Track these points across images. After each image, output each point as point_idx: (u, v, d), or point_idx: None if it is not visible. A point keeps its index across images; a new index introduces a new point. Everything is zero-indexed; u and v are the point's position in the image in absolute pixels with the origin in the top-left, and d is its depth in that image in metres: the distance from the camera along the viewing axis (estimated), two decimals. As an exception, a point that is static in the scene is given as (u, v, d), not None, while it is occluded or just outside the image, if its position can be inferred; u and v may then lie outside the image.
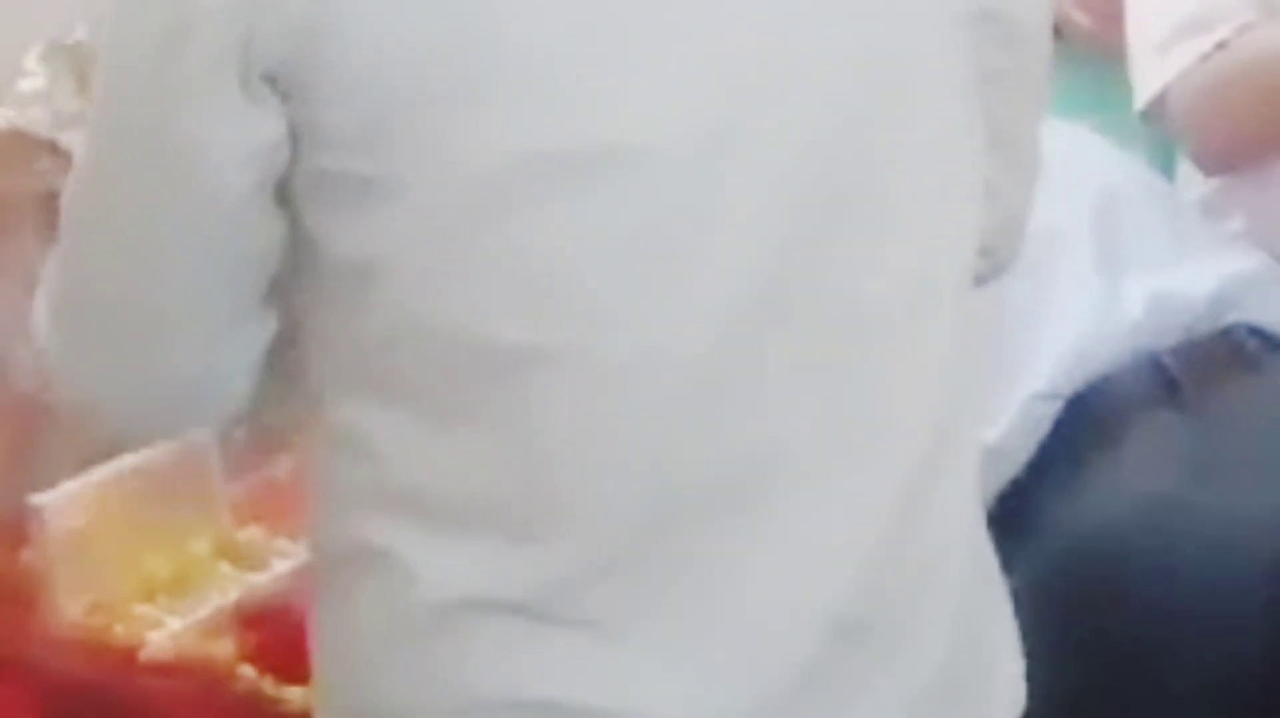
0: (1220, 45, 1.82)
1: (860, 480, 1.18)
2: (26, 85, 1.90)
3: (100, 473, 1.73)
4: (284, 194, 1.15)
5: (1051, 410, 1.75)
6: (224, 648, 1.71)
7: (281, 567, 1.82)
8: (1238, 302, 1.82)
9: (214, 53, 1.10)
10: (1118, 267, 1.83)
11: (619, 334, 1.12)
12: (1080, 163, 1.85)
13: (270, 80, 1.10)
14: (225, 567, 1.82)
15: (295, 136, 1.12)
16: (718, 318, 1.14)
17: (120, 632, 1.70)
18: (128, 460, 1.74)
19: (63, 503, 1.68)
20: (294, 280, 1.18)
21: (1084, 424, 1.75)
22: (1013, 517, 1.63)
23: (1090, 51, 2.02)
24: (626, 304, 1.12)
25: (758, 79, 1.14)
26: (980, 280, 1.32)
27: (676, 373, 1.13)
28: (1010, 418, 1.74)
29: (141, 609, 1.73)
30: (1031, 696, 1.30)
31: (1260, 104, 1.83)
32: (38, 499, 1.67)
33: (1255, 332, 1.81)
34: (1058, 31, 1.51)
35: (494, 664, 1.15)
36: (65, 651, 1.64)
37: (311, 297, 1.18)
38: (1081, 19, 2.05)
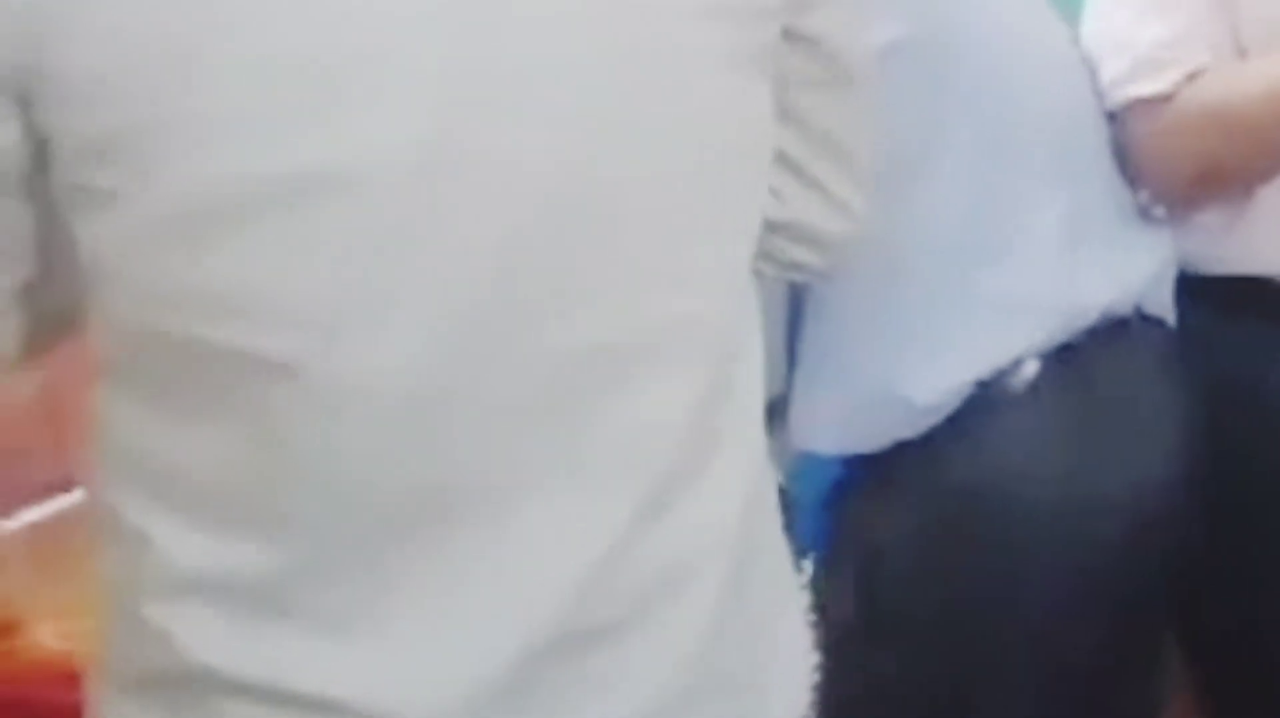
0: (1171, 92, 1.84)
1: (579, 504, 1.23)
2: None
3: (69, 499, 1.78)
4: (37, 190, 1.20)
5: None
6: None
7: None
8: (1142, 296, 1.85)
9: None
10: (1078, 236, 1.84)
11: (335, 352, 1.16)
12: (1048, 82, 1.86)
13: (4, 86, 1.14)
14: None
15: (39, 140, 1.16)
16: (429, 343, 1.17)
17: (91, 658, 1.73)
18: (51, 507, 1.82)
19: (31, 530, 1.80)
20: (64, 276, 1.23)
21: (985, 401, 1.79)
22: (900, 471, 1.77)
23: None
24: (341, 324, 1.16)
25: (474, 97, 1.15)
26: (814, 273, 1.45)
27: (389, 394, 1.18)
28: (944, 392, 1.80)
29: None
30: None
31: (1208, 157, 1.85)
32: (6, 526, 1.79)
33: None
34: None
35: (221, 642, 1.22)
36: (42, 677, 1.70)
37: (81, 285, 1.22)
38: None
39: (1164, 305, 1.89)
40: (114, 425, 1.23)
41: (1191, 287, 1.87)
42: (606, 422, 1.23)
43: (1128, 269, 1.85)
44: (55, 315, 1.27)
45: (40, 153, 1.16)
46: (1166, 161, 1.83)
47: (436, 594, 1.21)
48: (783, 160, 1.36)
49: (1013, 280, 1.81)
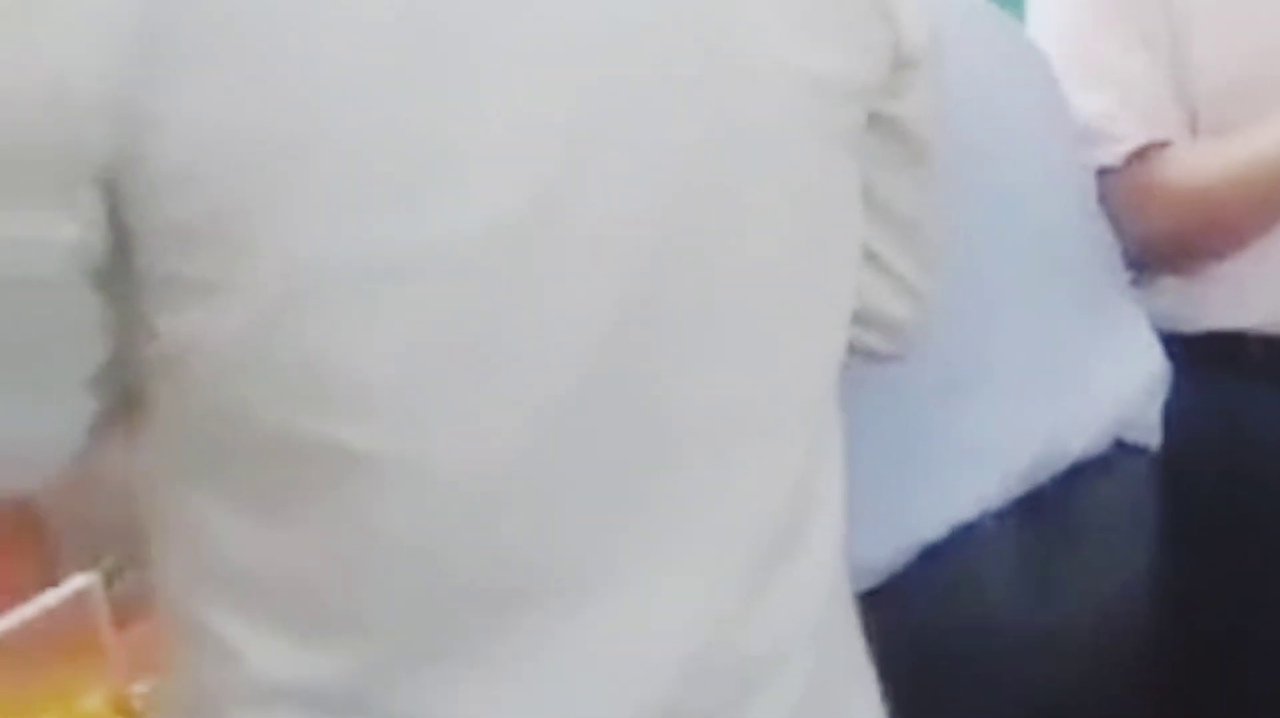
0: (1121, 165, 1.84)
1: (685, 584, 1.18)
2: None
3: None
4: (110, 284, 1.13)
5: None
6: None
7: None
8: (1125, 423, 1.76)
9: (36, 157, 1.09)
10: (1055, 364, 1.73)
11: (429, 440, 1.11)
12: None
13: (95, 181, 1.09)
14: None
15: (121, 232, 1.11)
16: (528, 424, 1.12)
17: None
18: (11, 618, 1.72)
19: None
20: (129, 362, 1.17)
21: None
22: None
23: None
24: (436, 410, 1.11)
25: (573, 167, 1.11)
26: (884, 357, 1.41)
27: (486, 480, 1.13)
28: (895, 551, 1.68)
29: None
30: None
31: (1174, 230, 1.86)
32: None
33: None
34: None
35: None
36: None
37: (145, 382, 1.17)
38: None
39: (1149, 428, 1.79)
40: (192, 530, 1.17)
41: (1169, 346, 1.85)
42: (712, 494, 1.19)
43: (1108, 400, 1.74)
44: (113, 412, 1.19)
45: (121, 246, 1.10)
46: (1125, 227, 1.82)
47: (535, 683, 1.16)
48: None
49: (984, 419, 1.68)
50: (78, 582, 1.77)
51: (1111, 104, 1.83)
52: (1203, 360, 1.87)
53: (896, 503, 1.67)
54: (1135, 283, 1.85)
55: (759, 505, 1.22)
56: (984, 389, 1.70)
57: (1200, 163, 1.83)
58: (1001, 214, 1.72)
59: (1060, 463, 1.71)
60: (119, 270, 1.12)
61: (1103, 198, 1.81)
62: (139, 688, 1.80)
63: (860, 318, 1.35)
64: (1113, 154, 1.83)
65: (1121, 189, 1.83)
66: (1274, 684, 1.90)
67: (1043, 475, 1.71)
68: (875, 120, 1.28)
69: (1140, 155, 1.83)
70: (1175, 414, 1.80)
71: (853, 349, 1.35)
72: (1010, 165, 1.74)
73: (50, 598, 1.76)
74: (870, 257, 1.35)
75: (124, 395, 1.18)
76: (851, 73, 1.23)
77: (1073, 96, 1.80)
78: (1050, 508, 1.71)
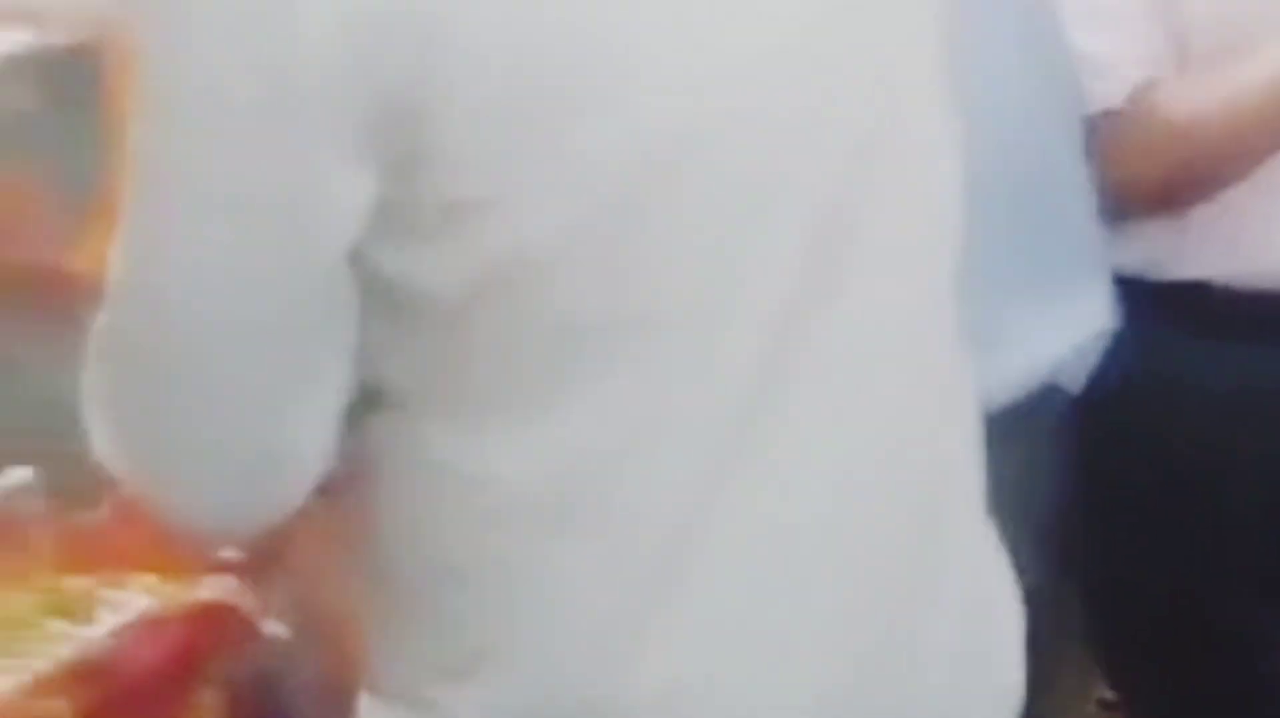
0: (1119, 107, 1.87)
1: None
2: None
3: None
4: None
5: None
6: (57, 708, 1.63)
7: (112, 619, 1.72)
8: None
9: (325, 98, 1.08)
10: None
11: (686, 327, 1.19)
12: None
13: (379, 123, 1.09)
14: (52, 621, 1.74)
15: (397, 176, 1.11)
16: (763, 319, 1.21)
17: None
18: None
19: None
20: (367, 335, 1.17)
21: None
22: None
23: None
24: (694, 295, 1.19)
25: (808, 72, 1.21)
26: None
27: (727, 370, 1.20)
28: None
29: None
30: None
31: (1169, 169, 1.88)
32: None
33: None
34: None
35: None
36: None
37: (393, 342, 1.18)
38: None
39: (1075, 378, 1.81)
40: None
41: (1135, 293, 1.88)
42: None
43: (1042, 359, 1.77)
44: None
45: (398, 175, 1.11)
46: (1122, 171, 1.85)
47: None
48: None
49: None
50: (13, 476, 1.75)
51: (1112, 44, 1.87)
52: (1174, 308, 1.92)
53: None
54: (1117, 228, 1.89)
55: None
56: None
57: (1189, 96, 1.86)
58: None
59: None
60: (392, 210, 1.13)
61: (1096, 140, 1.84)
62: (71, 586, 1.78)
63: None
64: (1113, 95, 1.87)
65: (1118, 130, 1.86)
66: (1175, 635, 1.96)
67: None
68: None
69: (1137, 96, 1.86)
70: (1133, 360, 1.85)
71: None
72: (988, 112, 1.72)
73: None
74: None
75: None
76: None
77: (1073, 37, 1.84)
78: None
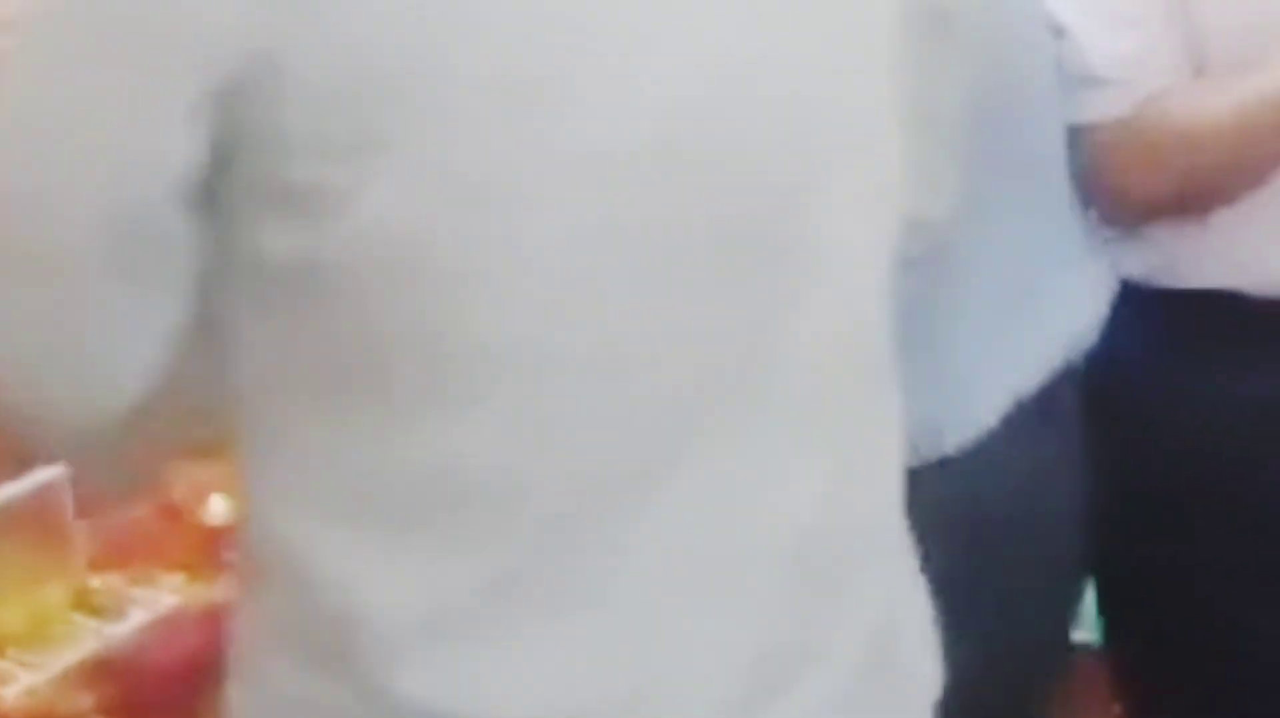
0: (1131, 115, 1.78)
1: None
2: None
3: None
4: (212, 200, 1.12)
5: None
6: (82, 702, 1.66)
7: (139, 616, 1.75)
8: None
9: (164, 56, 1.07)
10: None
11: (578, 332, 1.13)
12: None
13: (224, 90, 1.07)
14: (80, 617, 1.76)
15: (241, 144, 1.08)
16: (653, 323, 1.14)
17: None
18: None
19: None
20: (220, 285, 1.15)
21: None
22: None
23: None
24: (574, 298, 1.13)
25: (694, 98, 1.12)
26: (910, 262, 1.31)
27: (620, 368, 1.14)
28: None
29: None
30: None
31: (1175, 178, 1.81)
32: None
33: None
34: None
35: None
36: None
37: (246, 303, 1.15)
38: None
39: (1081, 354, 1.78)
40: (303, 450, 1.15)
41: (1140, 299, 1.82)
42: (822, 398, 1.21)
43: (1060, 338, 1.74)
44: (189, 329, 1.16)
45: (232, 158, 1.08)
46: (1127, 180, 1.78)
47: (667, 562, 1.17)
48: None
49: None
50: (44, 473, 1.75)
51: (1132, 49, 1.78)
52: (1180, 316, 1.85)
53: None
54: (1118, 235, 1.82)
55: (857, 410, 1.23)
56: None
57: (1200, 104, 1.78)
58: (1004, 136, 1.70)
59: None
60: (223, 186, 1.10)
61: (1096, 147, 1.78)
62: (100, 583, 1.80)
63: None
64: (1126, 102, 1.78)
65: (1125, 137, 1.78)
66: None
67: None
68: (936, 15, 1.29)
69: (1147, 103, 1.78)
70: (1141, 365, 1.82)
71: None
72: (1019, 89, 1.73)
73: (15, 488, 1.74)
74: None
75: (200, 314, 1.16)
76: None
77: (1089, 42, 1.77)
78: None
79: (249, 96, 1.06)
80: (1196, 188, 1.80)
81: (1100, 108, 1.77)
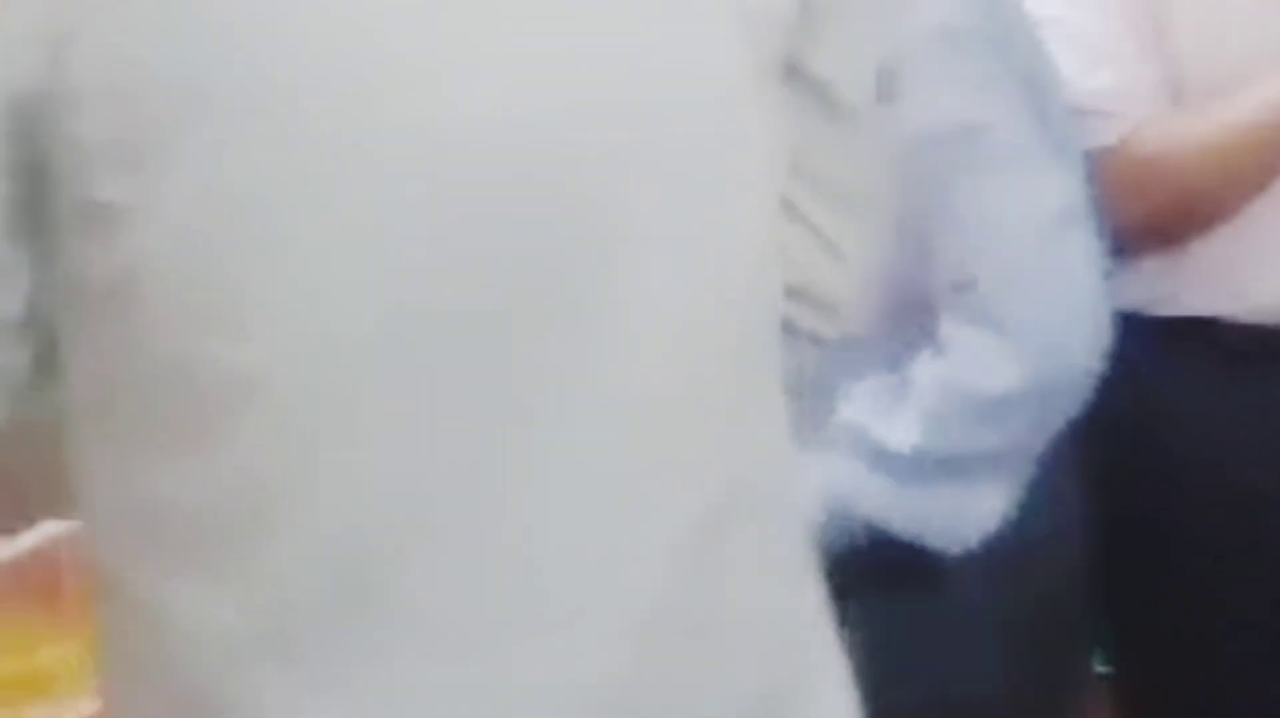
0: (1117, 145, 1.89)
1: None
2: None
3: None
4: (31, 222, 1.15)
5: None
6: None
7: None
8: None
9: None
10: None
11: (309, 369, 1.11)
12: None
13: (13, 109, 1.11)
14: (86, 672, 1.60)
15: (45, 164, 1.12)
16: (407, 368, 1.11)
17: None
18: None
19: None
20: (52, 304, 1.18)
21: None
22: None
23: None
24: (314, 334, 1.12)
25: (480, 100, 1.10)
26: (822, 341, 1.32)
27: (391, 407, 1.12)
28: None
29: None
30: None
31: (1166, 203, 1.91)
32: None
33: None
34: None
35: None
36: None
37: (67, 321, 1.17)
38: None
39: None
40: (99, 475, 1.16)
41: (1135, 329, 1.84)
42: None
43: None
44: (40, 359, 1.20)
45: (37, 175, 1.11)
46: (1118, 208, 1.83)
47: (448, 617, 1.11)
48: (788, 210, 1.25)
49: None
50: (47, 528, 1.74)
51: (1111, 82, 1.87)
52: (1175, 344, 1.92)
53: None
54: (1117, 264, 1.82)
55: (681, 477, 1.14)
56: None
57: (1181, 132, 1.88)
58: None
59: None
60: (36, 207, 1.12)
61: (1093, 179, 1.80)
62: None
63: (789, 287, 1.23)
64: (1111, 132, 1.86)
65: (1112, 167, 1.84)
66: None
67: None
68: (793, 74, 1.21)
69: (1131, 133, 1.87)
70: (1133, 395, 1.83)
71: (796, 330, 1.27)
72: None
73: (17, 544, 1.74)
74: (786, 205, 1.24)
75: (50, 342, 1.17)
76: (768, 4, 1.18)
77: (1071, 75, 1.83)
78: None
79: (44, 108, 1.08)
80: (1180, 215, 1.88)
81: (1087, 138, 1.81)
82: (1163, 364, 1.90)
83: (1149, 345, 1.87)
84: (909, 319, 1.73)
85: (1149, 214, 1.87)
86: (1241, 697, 1.90)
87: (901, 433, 1.71)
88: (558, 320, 1.10)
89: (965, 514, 1.72)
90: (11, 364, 1.15)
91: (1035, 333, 1.71)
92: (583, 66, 1.10)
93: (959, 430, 1.71)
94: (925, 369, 1.72)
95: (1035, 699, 1.74)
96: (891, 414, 1.72)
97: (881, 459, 1.72)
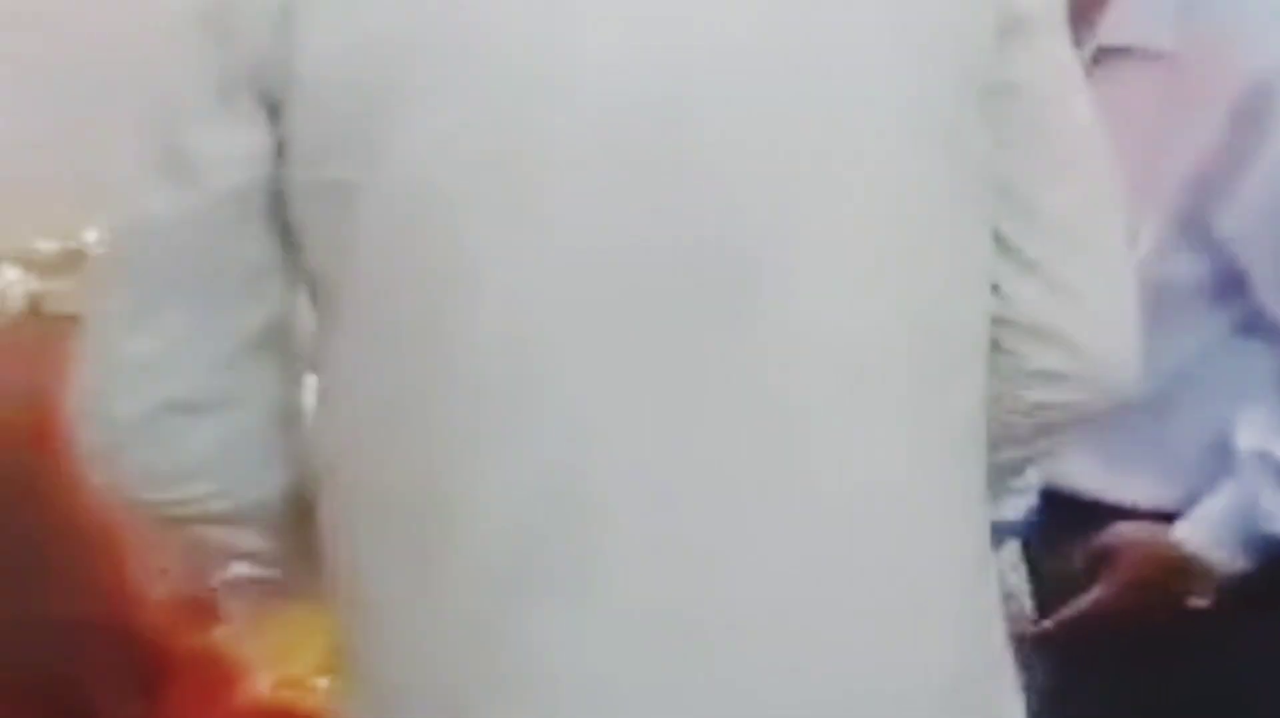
0: None
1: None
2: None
3: None
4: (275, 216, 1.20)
5: None
6: None
7: None
8: None
9: (199, 63, 1.17)
10: None
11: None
12: None
13: (255, 91, 1.16)
14: None
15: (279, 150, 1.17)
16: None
17: (308, 705, 1.74)
18: None
19: (248, 580, 1.73)
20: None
21: None
22: None
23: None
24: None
25: (662, 93, 1.15)
26: (1080, 409, 1.30)
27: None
28: None
29: (326, 682, 1.75)
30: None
31: None
32: (224, 577, 1.77)
33: None
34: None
35: None
36: None
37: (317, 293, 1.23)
38: None
39: None
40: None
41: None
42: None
43: None
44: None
45: (277, 157, 1.18)
46: None
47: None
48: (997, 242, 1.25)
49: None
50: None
51: None
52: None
53: None
54: None
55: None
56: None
57: None
58: None
59: None
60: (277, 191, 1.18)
61: None
62: None
63: (1009, 325, 1.24)
64: None
65: None
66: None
67: None
68: (991, 91, 1.21)
69: None
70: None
71: (1043, 408, 1.28)
72: None
73: None
74: (997, 239, 1.24)
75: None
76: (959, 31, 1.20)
77: None
78: None
79: (273, 98, 1.14)
80: None
81: None
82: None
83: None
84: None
85: None
86: None
87: None
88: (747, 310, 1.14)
89: None
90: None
91: None
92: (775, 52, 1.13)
93: None
94: None
95: None
96: None
97: None
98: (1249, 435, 1.78)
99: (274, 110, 1.14)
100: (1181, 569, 1.83)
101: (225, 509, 1.28)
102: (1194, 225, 1.72)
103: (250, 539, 1.31)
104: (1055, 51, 1.25)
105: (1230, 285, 1.77)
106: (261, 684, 1.71)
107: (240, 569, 1.68)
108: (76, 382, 1.24)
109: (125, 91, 1.22)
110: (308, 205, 1.16)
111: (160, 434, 1.22)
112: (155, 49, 1.18)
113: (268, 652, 1.74)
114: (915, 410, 1.18)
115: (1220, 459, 1.78)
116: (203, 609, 1.75)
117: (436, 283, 1.13)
